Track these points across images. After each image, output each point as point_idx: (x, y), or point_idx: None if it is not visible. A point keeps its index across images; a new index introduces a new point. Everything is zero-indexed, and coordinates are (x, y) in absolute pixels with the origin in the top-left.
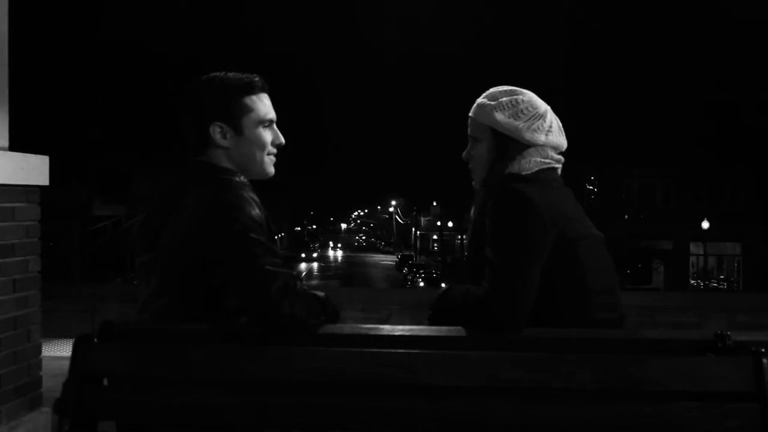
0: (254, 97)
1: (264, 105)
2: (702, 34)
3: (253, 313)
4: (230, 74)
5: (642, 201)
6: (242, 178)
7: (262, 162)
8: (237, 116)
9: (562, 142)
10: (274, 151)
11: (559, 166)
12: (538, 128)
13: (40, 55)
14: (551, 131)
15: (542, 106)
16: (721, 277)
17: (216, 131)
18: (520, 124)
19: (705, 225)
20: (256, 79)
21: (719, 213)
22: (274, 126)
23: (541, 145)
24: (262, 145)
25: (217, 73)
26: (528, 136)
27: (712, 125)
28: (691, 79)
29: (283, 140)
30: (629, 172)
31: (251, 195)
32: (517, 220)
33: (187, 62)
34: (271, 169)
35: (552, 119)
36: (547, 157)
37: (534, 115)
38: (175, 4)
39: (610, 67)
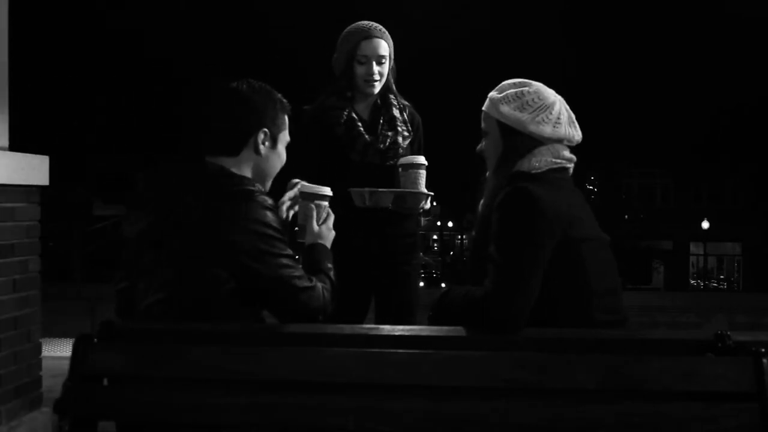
0: (286, 117)
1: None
2: (704, 34)
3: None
4: (271, 88)
5: (642, 201)
6: (259, 186)
7: (271, 181)
8: (279, 129)
9: (573, 133)
10: None
11: (571, 165)
12: (543, 120)
13: (40, 54)
14: (559, 123)
15: (550, 97)
16: (721, 277)
17: (260, 136)
18: (524, 116)
19: (705, 225)
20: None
21: (719, 213)
22: None
23: (548, 138)
24: (282, 163)
25: (260, 82)
26: (532, 128)
27: (715, 126)
28: (692, 79)
29: None
30: (629, 172)
31: (270, 203)
32: (523, 219)
33: (188, 63)
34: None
35: (561, 110)
36: (558, 157)
37: (540, 106)
38: (176, 3)
39: (610, 66)
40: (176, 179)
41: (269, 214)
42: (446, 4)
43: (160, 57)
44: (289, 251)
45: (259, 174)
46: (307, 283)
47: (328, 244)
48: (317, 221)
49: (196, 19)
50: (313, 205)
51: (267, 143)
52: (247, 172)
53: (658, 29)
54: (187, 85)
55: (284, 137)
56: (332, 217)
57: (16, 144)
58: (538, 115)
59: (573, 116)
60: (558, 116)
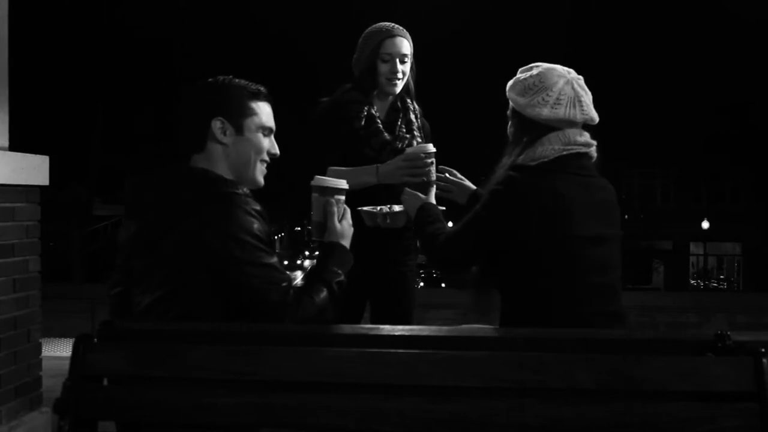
0: (259, 103)
1: (266, 113)
2: (706, 33)
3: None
4: (236, 79)
5: (642, 201)
6: (245, 189)
7: (255, 167)
8: (240, 116)
9: (574, 114)
10: (268, 159)
11: (589, 150)
12: (539, 102)
13: (41, 54)
14: (559, 103)
15: (553, 78)
16: (721, 277)
17: (217, 125)
18: (523, 100)
19: (705, 225)
20: (262, 88)
21: (719, 213)
22: (272, 136)
23: (545, 120)
24: (259, 149)
25: (224, 76)
26: (529, 111)
27: (715, 126)
28: (693, 79)
29: (278, 151)
30: (629, 172)
31: (256, 208)
32: (496, 200)
33: (190, 61)
34: (262, 179)
35: (563, 90)
36: (570, 143)
37: (539, 89)
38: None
39: (610, 66)
40: (163, 183)
41: (252, 220)
42: (446, 4)
43: (162, 56)
44: (271, 260)
45: (235, 165)
46: (284, 297)
47: (348, 243)
48: (337, 217)
49: (197, 17)
50: (333, 200)
51: (228, 132)
52: (222, 166)
53: (658, 29)
54: (189, 84)
55: (253, 122)
56: (349, 212)
57: (16, 144)
58: (534, 98)
59: (583, 96)
60: (558, 96)
